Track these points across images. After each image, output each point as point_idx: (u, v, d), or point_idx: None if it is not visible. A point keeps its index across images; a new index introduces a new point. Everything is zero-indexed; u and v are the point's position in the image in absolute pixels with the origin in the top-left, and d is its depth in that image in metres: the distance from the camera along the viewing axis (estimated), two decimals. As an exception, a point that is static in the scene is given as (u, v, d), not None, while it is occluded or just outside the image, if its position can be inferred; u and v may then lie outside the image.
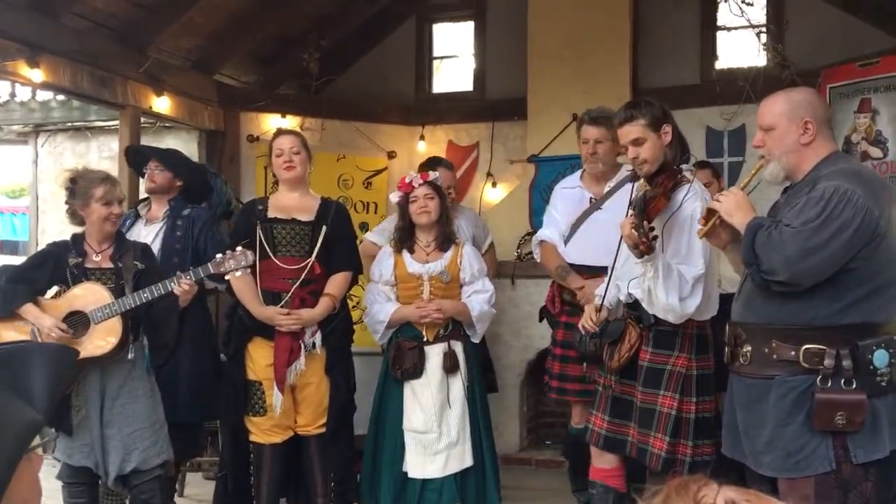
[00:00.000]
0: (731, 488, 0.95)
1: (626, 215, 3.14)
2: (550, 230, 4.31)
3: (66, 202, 3.75)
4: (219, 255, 3.69)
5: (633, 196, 3.20)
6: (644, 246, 2.96)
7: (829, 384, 2.56)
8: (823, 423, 2.54)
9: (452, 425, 4.01)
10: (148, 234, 4.38)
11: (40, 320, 3.55)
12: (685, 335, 3.26)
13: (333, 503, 4.04)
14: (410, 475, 4.02)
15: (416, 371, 4.02)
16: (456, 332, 4.13)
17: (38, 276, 3.66)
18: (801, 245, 2.51)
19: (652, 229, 3.01)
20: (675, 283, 3.09)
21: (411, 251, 4.15)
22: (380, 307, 4.13)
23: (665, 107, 3.31)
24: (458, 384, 4.06)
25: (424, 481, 4.01)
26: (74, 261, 3.65)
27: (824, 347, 2.57)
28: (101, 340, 3.56)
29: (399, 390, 4.08)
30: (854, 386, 2.55)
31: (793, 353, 2.61)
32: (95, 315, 3.55)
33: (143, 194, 4.83)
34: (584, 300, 4.05)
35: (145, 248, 3.89)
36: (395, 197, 4.22)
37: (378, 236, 4.81)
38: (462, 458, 4.02)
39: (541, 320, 4.68)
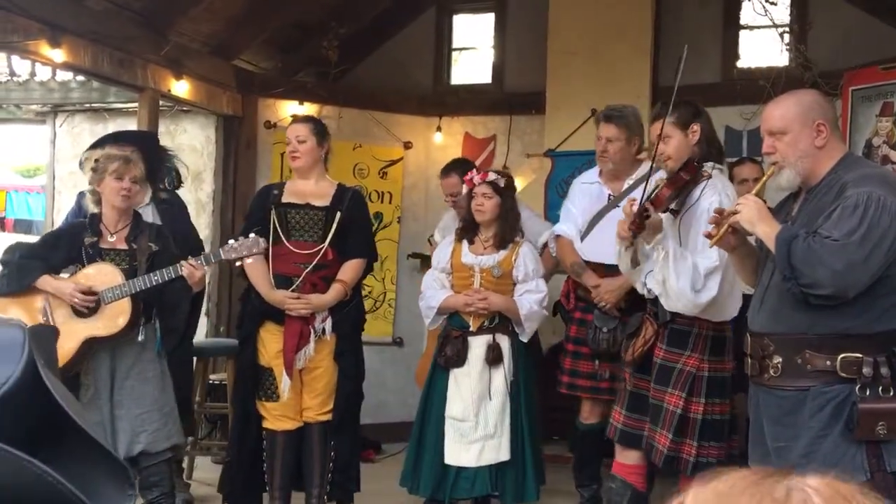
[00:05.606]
0: None
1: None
2: (567, 225, 4.29)
3: (89, 182, 3.77)
4: (231, 241, 3.71)
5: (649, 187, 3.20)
6: (632, 223, 2.94)
7: (868, 393, 2.50)
8: (865, 434, 2.49)
9: (490, 416, 4.05)
10: None
11: (59, 287, 3.59)
12: (699, 335, 3.26)
13: (329, 495, 4.02)
14: (446, 462, 4.08)
15: (459, 360, 4.09)
16: (503, 326, 4.16)
17: (53, 254, 3.69)
18: (848, 258, 2.46)
19: (646, 209, 3.00)
20: (688, 269, 3.08)
21: (471, 242, 4.23)
22: (433, 293, 4.22)
23: (700, 107, 3.34)
24: (500, 377, 4.09)
25: (459, 470, 4.06)
26: (90, 240, 3.68)
27: (861, 356, 2.52)
28: (111, 320, 3.60)
29: (445, 378, 4.15)
30: (892, 393, 2.50)
31: (828, 362, 2.55)
32: (106, 295, 3.57)
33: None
34: (599, 298, 4.05)
35: (160, 230, 3.89)
36: (463, 190, 4.38)
37: (439, 234, 4.92)
38: (497, 451, 4.04)
39: (554, 315, 4.67)
